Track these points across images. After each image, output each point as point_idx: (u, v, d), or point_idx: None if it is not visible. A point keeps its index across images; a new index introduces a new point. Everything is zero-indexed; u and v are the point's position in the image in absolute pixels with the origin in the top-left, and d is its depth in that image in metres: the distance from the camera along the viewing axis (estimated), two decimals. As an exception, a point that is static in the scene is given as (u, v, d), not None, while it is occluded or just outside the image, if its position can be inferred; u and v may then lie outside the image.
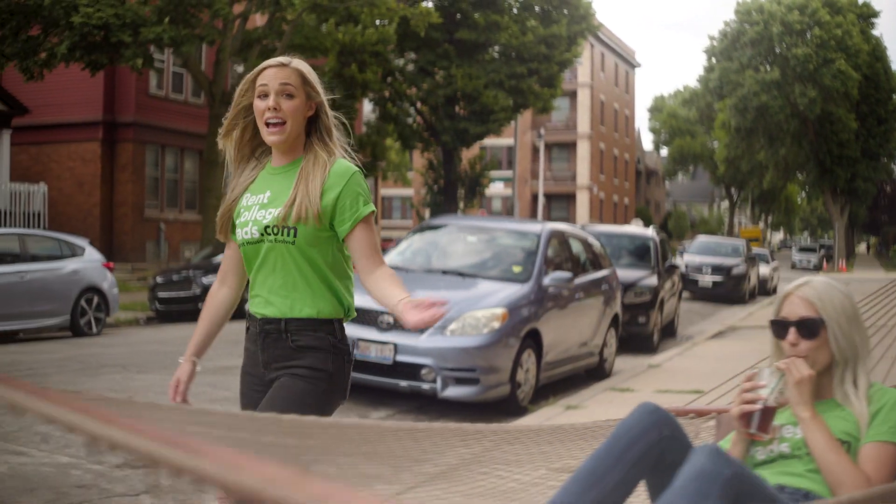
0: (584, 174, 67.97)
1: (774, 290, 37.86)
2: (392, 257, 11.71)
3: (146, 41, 20.23)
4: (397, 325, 9.42)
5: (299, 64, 3.52)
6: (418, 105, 33.82)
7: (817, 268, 65.38)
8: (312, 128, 3.54)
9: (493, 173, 42.18)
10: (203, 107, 31.34)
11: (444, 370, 9.44)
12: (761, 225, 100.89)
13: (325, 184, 3.40)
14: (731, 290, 30.30)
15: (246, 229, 3.47)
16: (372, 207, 3.50)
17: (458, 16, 32.12)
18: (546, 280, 10.99)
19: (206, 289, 19.13)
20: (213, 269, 19.38)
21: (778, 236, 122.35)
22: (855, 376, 3.11)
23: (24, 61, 21.89)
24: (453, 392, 9.49)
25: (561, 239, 12.27)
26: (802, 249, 74.49)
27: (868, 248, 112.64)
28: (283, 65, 3.46)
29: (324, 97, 3.53)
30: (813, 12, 57.05)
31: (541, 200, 46.90)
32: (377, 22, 28.15)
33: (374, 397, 10.13)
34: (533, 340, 10.39)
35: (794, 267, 65.56)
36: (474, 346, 9.51)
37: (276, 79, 3.40)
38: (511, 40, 31.88)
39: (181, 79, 30.57)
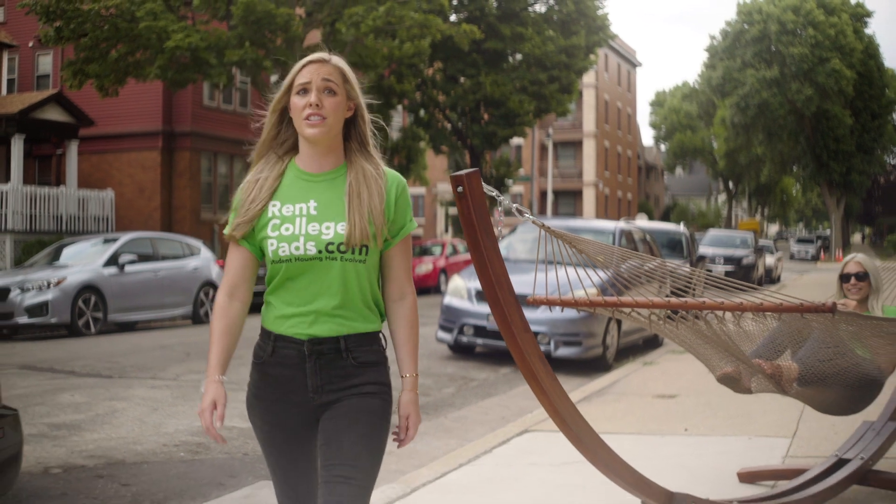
0: (590, 171, 70.83)
1: (779, 279, 40.95)
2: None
3: (230, 63, 23.13)
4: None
5: (339, 61, 3.35)
6: (447, 111, 36.59)
7: (815, 258, 68.16)
8: (350, 132, 3.38)
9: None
10: (248, 115, 34.28)
11: (556, 335, 12.46)
12: (758, 217, 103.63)
13: (385, 201, 3.27)
14: (741, 279, 33.20)
15: (296, 244, 3.22)
16: (415, 224, 3.42)
17: (484, 27, 34.93)
18: (622, 267, 13.98)
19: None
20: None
21: (774, 228, 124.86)
22: (876, 301, 6.02)
23: (103, 79, 24.78)
24: (563, 352, 12.51)
25: (629, 236, 15.26)
26: (800, 241, 77.34)
27: (863, 238, 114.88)
28: (324, 60, 3.31)
29: (362, 99, 3.38)
30: (807, 13, 59.80)
31: (549, 197, 49.78)
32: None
33: (500, 358, 13.16)
34: (616, 313, 13.38)
35: (792, 257, 68.38)
36: (578, 317, 12.46)
37: (318, 74, 3.26)
38: (534, 50, 34.75)
39: (230, 90, 33.34)
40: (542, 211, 59.83)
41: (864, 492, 5.84)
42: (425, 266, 30.58)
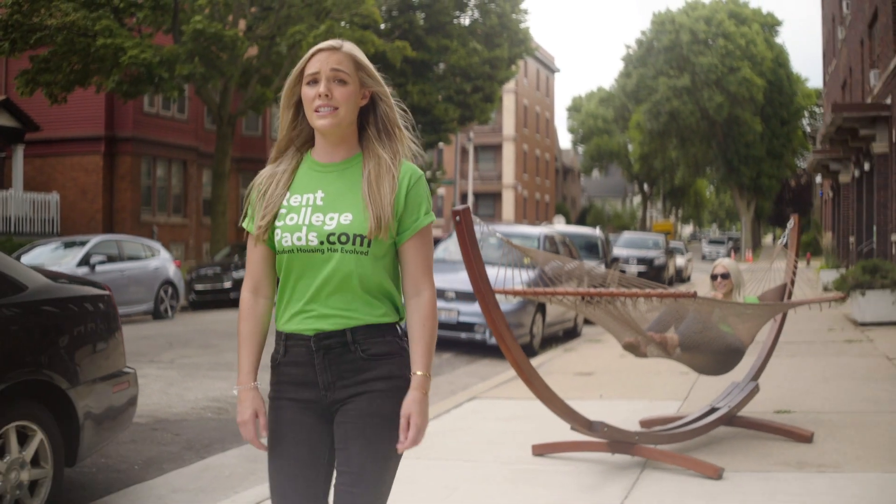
0: (510, 174, 73.46)
1: (689, 278, 43.79)
2: (438, 253, 16.95)
3: (181, 77, 25.07)
4: (458, 297, 14.67)
5: (352, 48, 3.26)
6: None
7: (727, 257, 71.40)
8: (368, 120, 3.30)
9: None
10: (188, 122, 36.18)
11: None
12: (672, 218, 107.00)
13: (396, 192, 3.19)
14: (653, 279, 35.87)
15: (298, 234, 3.19)
16: (433, 217, 3.31)
17: (412, 38, 37.11)
18: (546, 267, 16.35)
19: (237, 282, 24.22)
20: (236, 266, 24.50)
21: (688, 229, 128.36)
22: (739, 293, 8.33)
23: (53, 87, 26.54)
24: (496, 340, 14.78)
25: (551, 240, 17.59)
26: (712, 242, 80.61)
27: (773, 239, 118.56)
28: (334, 48, 3.22)
29: (383, 85, 3.30)
30: (719, 23, 63.00)
31: (470, 199, 52.10)
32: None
33: (442, 345, 15.41)
34: (540, 308, 15.67)
35: (704, 258, 71.48)
36: (509, 310, 14.71)
37: (326, 63, 3.18)
38: (459, 61, 37.08)
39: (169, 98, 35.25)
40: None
41: (730, 431, 8.12)
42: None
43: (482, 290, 6.50)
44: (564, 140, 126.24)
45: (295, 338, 3.24)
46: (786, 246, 9.44)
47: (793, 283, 8.97)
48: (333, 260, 3.17)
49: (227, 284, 24.34)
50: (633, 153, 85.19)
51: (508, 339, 6.65)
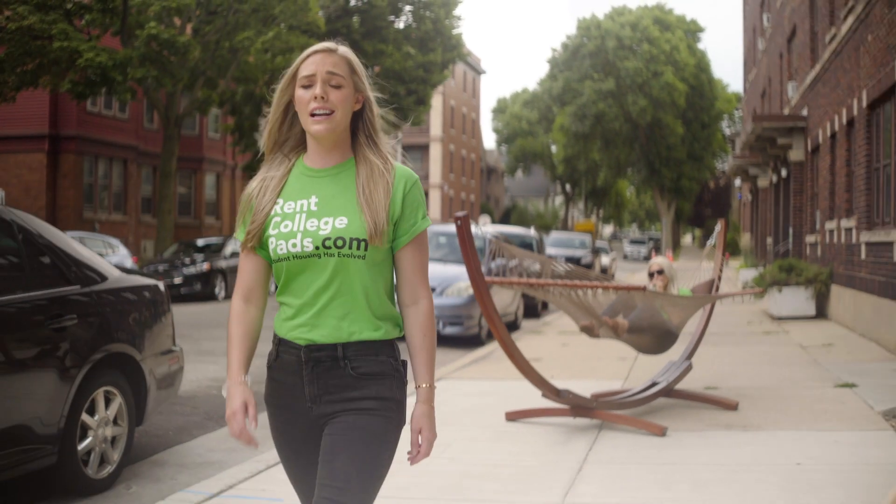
0: (436, 173, 75.06)
1: (613, 276, 45.59)
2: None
3: (134, 79, 26.21)
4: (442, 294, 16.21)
5: (347, 51, 3.24)
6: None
7: (646, 258, 73.48)
8: (358, 125, 3.27)
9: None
10: (128, 121, 37.18)
11: (444, 317, 16.19)
12: (593, 218, 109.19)
13: (391, 197, 3.15)
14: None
15: (293, 241, 3.13)
16: (429, 221, 3.26)
17: (349, 43, 38.48)
18: (492, 265, 17.91)
19: (187, 278, 25.43)
20: (184, 263, 25.74)
21: (608, 229, 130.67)
22: (673, 286, 9.90)
23: (1, 86, 27.49)
24: (449, 330, 16.26)
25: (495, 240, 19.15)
26: (633, 242, 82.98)
27: (693, 239, 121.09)
28: (330, 51, 3.19)
29: (370, 91, 3.29)
30: (644, 29, 65.05)
31: (398, 198, 53.45)
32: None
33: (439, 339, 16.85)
34: (487, 302, 17.20)
35: (625, 257, 73.63)
36: (459, 304, 16.23)
37: (322, 66, 3.14)
38: (394, 65, 38.51)
39: (111, 97, 36.19)
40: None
41: (669, 401, 9.67)
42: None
43: (478, 282, 7.91)
44: (489, 140, 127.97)
45: (287, 344, 3.20)
46: (714, 246, 11.06)
47: (720, 278, 10.59)
48: (330, 265, 3.12)
49: (178, 280, 25.50)
50: (556, 155, 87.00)
51: (497, 321, 8.10)
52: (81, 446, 6.51)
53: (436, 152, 75.23)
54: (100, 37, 27.87)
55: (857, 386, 10.45)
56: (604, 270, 43.86)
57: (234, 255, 29.39)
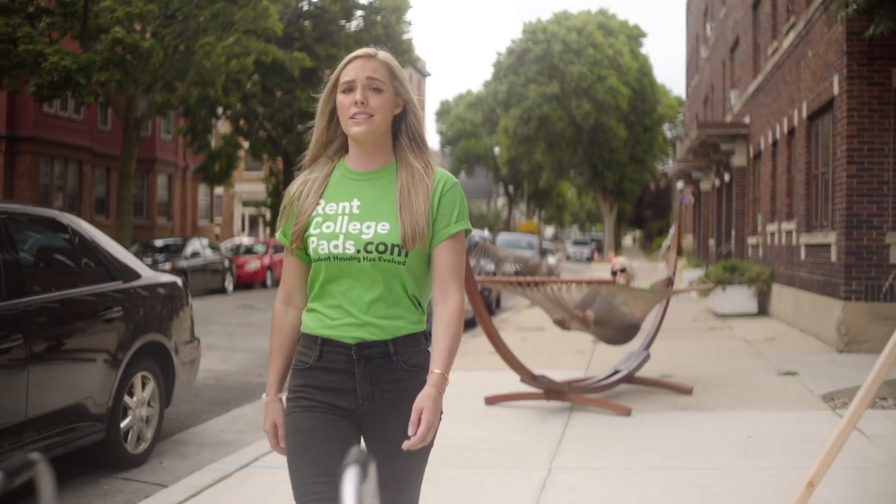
0: (382, 174, 75.82)
1: (559, 277, 46.82)
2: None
3: (98, 83, 26.95)
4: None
5: (387, 56, 3.30)
6: (264, 122, 40.83)
7: (589, 259, 74.99)
8: (400, 129, 3.34)
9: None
10: (83, 122, 37.80)
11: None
12: (535, 219, 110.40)
13: (430, 200, 3.21)
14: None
15: (335, 242, 3.19)
16: (466, 225, 3.29)
17: (301, 46, 39.32)
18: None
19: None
20: (146, 263, 26.48)
21: (550, 230, 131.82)
22: (634, 283, 10.99)
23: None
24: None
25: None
26: (576, 243, 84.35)
27: (633, 240, 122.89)
28: (370, 56, 3.25)
29: (413, 95, 3.35)
30: (589, 34, 66.34)
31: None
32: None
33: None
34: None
35: (568, 258, 74.93)
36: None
37: (362, 71, 3.21)
38: (345, 69, 39.44)
39: (66, 98, 36.79)
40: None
41: (630, 387, 10.74)
42: (254, 264, 34.81)
43: (468, 281, 8.91)
44: (433, 142, 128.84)
45: (333, 344, 3.22)
46: (669, 247, 12.18)
47: (674, 275, 11.69)
48: (371, 268, 3.18)
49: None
50: (500, 156, 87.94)
51: (483, 312, 9.11)
52: (123, 425, 7.44)
53: (382, 153, 76.06)
54: (59, 40, 28.52)
55: (799, 374, 11.61)
56: (550, 271, 45.01)
57: (195, 255, 30.19)
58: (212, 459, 7.85)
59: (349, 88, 3.23)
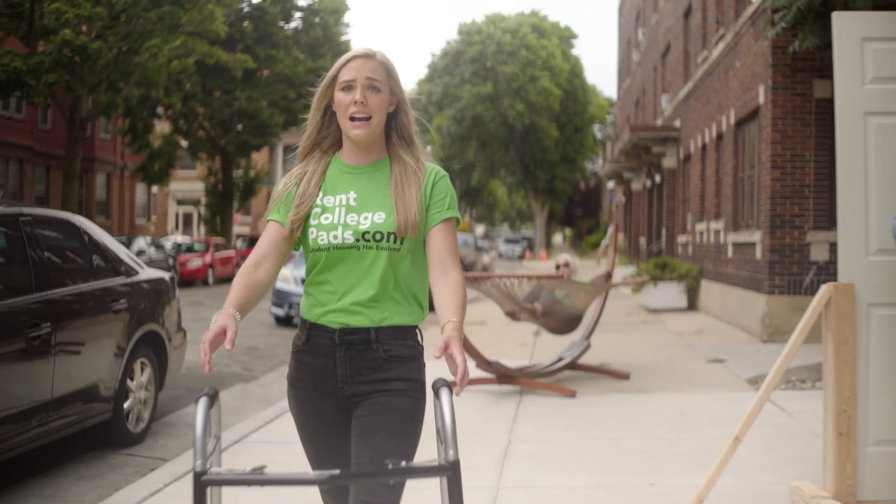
0: (317, 173, 76.60)
1: (494, 275, 47.92)
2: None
3: (48, 84, 27.55)
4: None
5: (384, 57, 3.43)
6: (204, 122, 41.47)
7: (521, 257, 76.11)
8: (392, 126, 3.50)
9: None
10: (24, 121, 38.21)
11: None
12: (466, 218, 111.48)
13: (422, 192, 3.38)
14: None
15: (334, 233, 3.33)
16: (456, 213, 3.46)
17: (243, 47, 40.06)
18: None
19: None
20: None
21: (480, 228, 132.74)
22: (576, 277, 12.08)
23: None
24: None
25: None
26: (508, 241, 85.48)
27: (564, 238, 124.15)
28: (369, 56, 3.39)
29: (405, 94, 3.50)
30: (523, 36, 67.55)
31: (279, 198, 55.07)
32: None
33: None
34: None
35: (500, 256, 75.98)
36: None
37: (362, 71, 3.34)
38: (285, 70, 40.23)
39: (15, 100, 37.15)
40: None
41: (573, 373, 11.82)
42: (196, 262, 35.48)
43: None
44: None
45: (319, 328, 3.38)
46: (608, 246, 13.28)
47: (612, 270, 12.78)
48: (369, 257, 3.33)
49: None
50: (433, 154, 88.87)
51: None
52: (125, 406, 8.34)
53: (316, 152, 76.91)
54: (3, 41, 29.00)
55: (726, 361, 12.77)
56: (485, 268, 46.12)
57: (141, 253, 30.76)
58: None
59: (349, 87, 3.37)
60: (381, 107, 3.40)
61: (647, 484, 6.68)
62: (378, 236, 3.33)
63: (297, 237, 3.44)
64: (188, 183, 60.19)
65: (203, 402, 2.89)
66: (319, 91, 3.48)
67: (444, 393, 2.93)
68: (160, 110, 39.35)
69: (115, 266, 8.51)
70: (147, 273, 9.10)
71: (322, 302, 3.40)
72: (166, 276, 9.59)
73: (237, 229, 52.82)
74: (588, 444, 8.09)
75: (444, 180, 3.49)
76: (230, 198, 43.49)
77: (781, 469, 6.97)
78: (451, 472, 2.81)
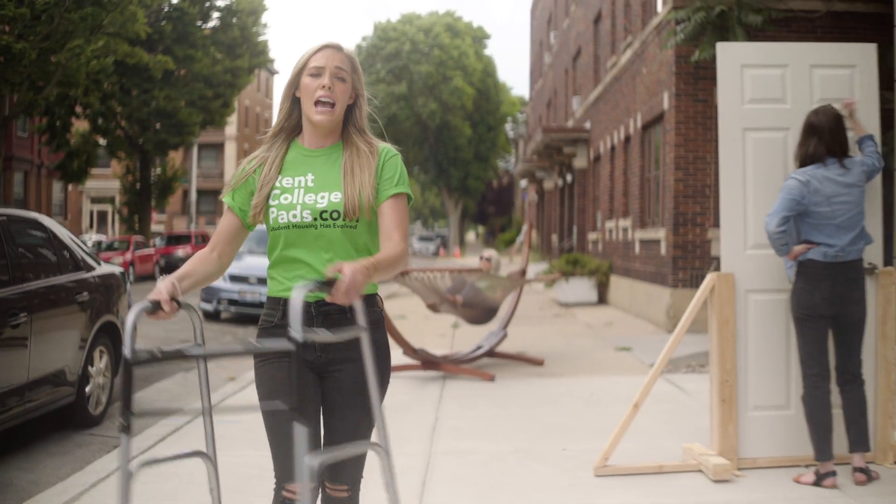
0: (231, 172, 76.53)
1: (410, 273, 48.84)
2: (245, 246, 21.06)
3: (-30, 85, 27.94)
4: (260, 282, 18.88)
5: (350, 51, 3.70)
6: (122, 121, 41.82)
7: (435, 254, 76.76)
8: (348, 116, 3.73)
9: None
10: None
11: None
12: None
13: (374, 173, 3.61)
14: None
15: (293, 212, 3.56)
16: (405, 189, 3.67)
17: (162, 48, 40.52)
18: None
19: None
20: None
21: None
22: (498, 271, 13.10)
23: None
24: (292, 316, 19.06)
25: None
26: (422, 238, 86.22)
27: (477, 236, 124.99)
28: (338, 48, 3.64)
29: (363, 89, 3.75)
30: (436, 35, 68.29)
31: (193, 196, 55.40)
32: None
33: (243, 321, 19.50)
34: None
35: (415, 254, 76.65)
36: (301, 292, 19.07)
37: (332, 60, 3.60)
38: (203, 69, 40.77)
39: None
40: (185, 210, 65.37)
41: (492, 360, 12.82)
42: (117, 260, 35.85)
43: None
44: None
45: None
46: (522, 243, 14.30)
47: (526, 267, 13.82)
48: (327, 234, 3.56)
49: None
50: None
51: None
52: (87, 390, 9.16)
53: (231, 151, 77.14)
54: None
55: (633, 349, 13.89)
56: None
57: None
58: (157, 420, 9.60)
59: (317, 73, 3.61)
60: (344, 95, 3.66)
61: (560, 449, 7.71)
62: (335, 214, 3.57)
63: (260, 220, 3.70)
64: (103, 181, 60.24)
65: (135, 308, 3.25)
66: (289, 81, 3.72)
67: (296, 289, 3.05)
68: (78, 109, 39.58)
69: (76, 262, 9.33)
70: (103, 268, 9.92)
71: (291, 279, 3.63)
72: (118, 271, 10.40)
73: (153, 227, 53.19)
74: (507, 419, 9.09)
75: (396, 158, 3.72)
76: (148, 196, 43.94)
77: (678, 436, 8.03)
78: (296, 348, 2.98)
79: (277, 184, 3.65)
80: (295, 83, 3.71)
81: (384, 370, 3.69)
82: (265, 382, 3.69)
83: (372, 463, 3.67)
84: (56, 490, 6.64)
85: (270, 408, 3.57)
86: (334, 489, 3.76)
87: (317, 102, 3.61)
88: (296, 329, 2.93)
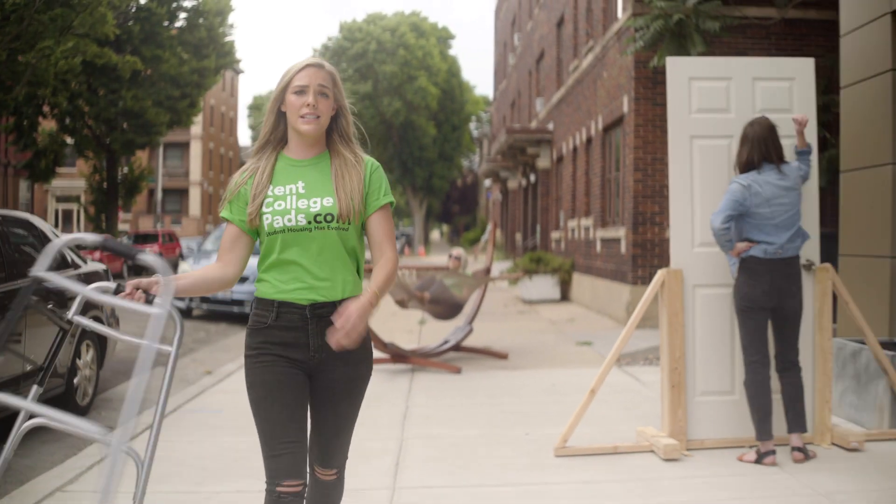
0: (196, 171, 77.07)
1: (376, 272, 49.31)
2: (209, 244, 21.56)
3: (-61, 86, 28.21)
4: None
5: (331, 68, 3.90)
6: (90, 120, 42.00)
7: (400, 253, 77.03)
8: (332, 127, 3.93)
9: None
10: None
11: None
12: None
13: (362, 182, 3.83)
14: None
15: (288, 217, 3.73)
16: (390, 198, 3.91)
17: (130, 48, 40.74)
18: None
19: None
20: None
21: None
22: (465, 269, 13.66)
23: None
24: (263, 313, 19.55)
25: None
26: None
27: (441, 234, 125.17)
28: (320, 66, 3.85)
29: (345, 101, 3.96)
30: (401, 35, 68.51)
31: (159, 195, 55.64)
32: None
33: (215, 318, 19.97)
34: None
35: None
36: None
37: (315, 79, 3.81)
38: (170, 70, 41.06)
39: None
40: (151, 209, 65.45)
41: (458, 354, 13.37)
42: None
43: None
44: (245, 138, 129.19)
45: (288, 306, 3.75)
46: (487, 241, 14.87)
47: (491, 265, 14.39)
48: (320, 237, 3.74)
49: None
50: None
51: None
52: (75, 381, 9.66)
53: (196, 150, 77.23)
54: None
55: (593, 344, 14.51)
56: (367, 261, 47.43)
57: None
58: (139, 411, 10.11)
59: (302, 91, 3.81)
60: (327, 110, 3.85)
61: (522, 434, 8.30)
62: (329, 217, 3.75)
63: (256, 225, 3.85)
64: (68, 180, 60.35)
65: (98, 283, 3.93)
66: (274, 96, 3.90)
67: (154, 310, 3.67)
68: (46, 109, 39.76)
69: (65, 260, 9.83)
70: (88, 266, 10.42)
71: (284, 281, 3.78)
72: (101, 268, 10.90)
73: (119, 226, 53.36)
74: (473, 407, 9.67)
75: (379, 171, 3.94)
76: (115, 195, 44.17)
77: (634, 422, 8.64)
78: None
79: (270, 192, 3.82)
80: (280, 99, 3.89)
81: (370, 365, 4.00)
82: (261, 384, 3.85)
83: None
84: (53, 473, 7.10)
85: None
86: (324, 473, 4.05)
87: (302, 116, 3.82)
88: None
